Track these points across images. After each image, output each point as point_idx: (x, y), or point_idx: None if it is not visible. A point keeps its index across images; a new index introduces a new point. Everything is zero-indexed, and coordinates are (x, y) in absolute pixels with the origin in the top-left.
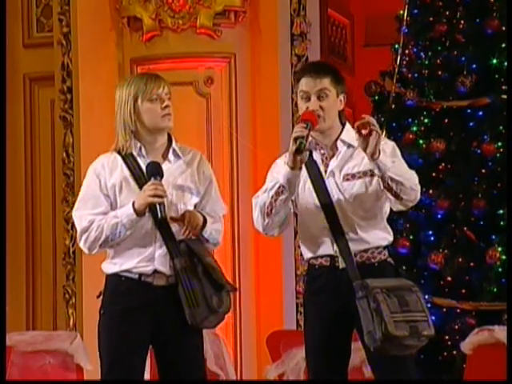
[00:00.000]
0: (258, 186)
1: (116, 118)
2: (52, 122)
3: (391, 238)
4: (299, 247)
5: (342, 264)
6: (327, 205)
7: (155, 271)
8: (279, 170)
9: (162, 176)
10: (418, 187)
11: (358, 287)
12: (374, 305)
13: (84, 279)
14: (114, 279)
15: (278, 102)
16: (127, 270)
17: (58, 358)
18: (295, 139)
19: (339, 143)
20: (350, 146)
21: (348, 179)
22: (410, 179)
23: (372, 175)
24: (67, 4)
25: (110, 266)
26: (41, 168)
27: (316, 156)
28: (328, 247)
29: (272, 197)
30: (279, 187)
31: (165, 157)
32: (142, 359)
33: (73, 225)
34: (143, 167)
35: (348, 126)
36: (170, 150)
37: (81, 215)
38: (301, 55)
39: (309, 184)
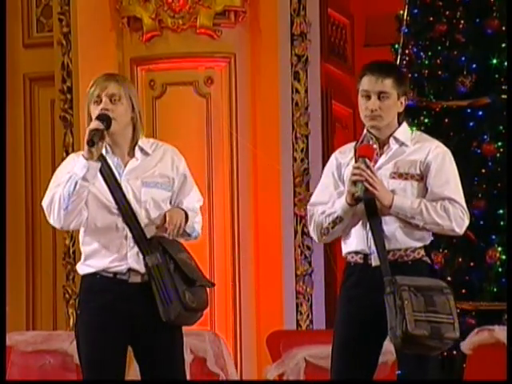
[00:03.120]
0: (258, 186)
1: None
2: (52, 122)
3: (429, 239)
4: (299, 247)
5: (374, 262)
6: (368, 201)
7: (129, 269)
8: (329, 179)
9: (104, 121)
10: (456, 226)
11: (387, 283)
12: (398, 302)
13: None
14: (89, 279)
15: (278, 102)
16: (102, 270)
17: (57, 358)
18: (355, 182)
19: (391, 140)
20: (402, 144)
21: (394, 177)
22: (442, 224)
23: (418, 180)
24: (67, 4)
25: (84, 268)
26: (41, 168)
27: None
28: (363, 243)
29: (329, 223)
30: (337, 217)
31: (131, 155)
32: (120, 356)
33: None
34: (111, 164)
35: (405, 124)
36: (136, 148)
37: (44, 198)
38: (301, 55)
39: None
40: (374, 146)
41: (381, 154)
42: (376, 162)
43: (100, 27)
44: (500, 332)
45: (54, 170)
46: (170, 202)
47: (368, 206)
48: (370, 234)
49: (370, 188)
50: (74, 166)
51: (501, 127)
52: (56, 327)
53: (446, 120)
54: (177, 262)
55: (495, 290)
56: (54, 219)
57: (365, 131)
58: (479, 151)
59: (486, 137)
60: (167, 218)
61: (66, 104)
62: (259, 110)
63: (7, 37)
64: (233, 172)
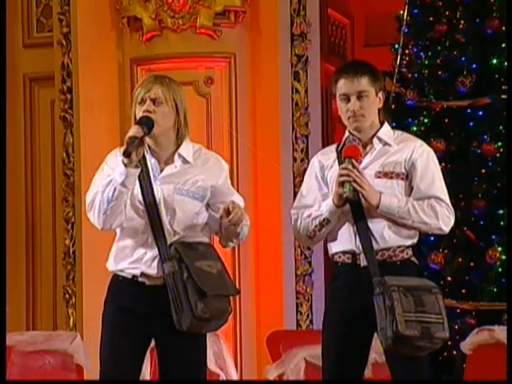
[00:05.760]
0: (258, 186)
1: None
2: (52, 122)
3: (416, 238)
4: (299, 247)
5: (363, 262)
6: (355, 201)
7: (142, 273)
8: (312, 182)
9: (145, 125)
10: (443, 224)
11: (376, 283)
12: (388, 303)
13: (84, 279)
14: (114, 277)
15: (277, 101)
16: (122, 270)
17: (57, 358)
18: (342, 183)
19: (375, 140)
20: (386, 144)
21: (379, 177)
22: (430, 223)
23: (403, 179)
24: (67, 4)
25: (110, 264)
26: (41, 168)
27: None
28: (351, 243)
29: (316, 226)
30: (324, 220)
31: (168, 161)
32: (135, 357)
33: (73, 225)
34: (149, 166)
35: (387, 125)
36: (176, 155)
37: (88, 193)
38: (301, 55)
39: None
40: (359, 146)
41: (365, 154)
42: (360, 162)
43: (100, 27)
44: (500, 332)
45: (54, 170)
46: (209, 208)
47: (354, 206)
48: (357, 234)
49: (358, 188)
50: (116, 165)
51: (501, 127)
52: (56, 327)
53: (446, 120)
54: (190, 272)
55: (495, 290)
56: (94, 221)
57: (346, 133)
58: (479, 151)
59: (485, 137)
60: (230, 207)
61: (66, 104)
62: (259, 110)
63: (7, 37)
64: (233, 172)
